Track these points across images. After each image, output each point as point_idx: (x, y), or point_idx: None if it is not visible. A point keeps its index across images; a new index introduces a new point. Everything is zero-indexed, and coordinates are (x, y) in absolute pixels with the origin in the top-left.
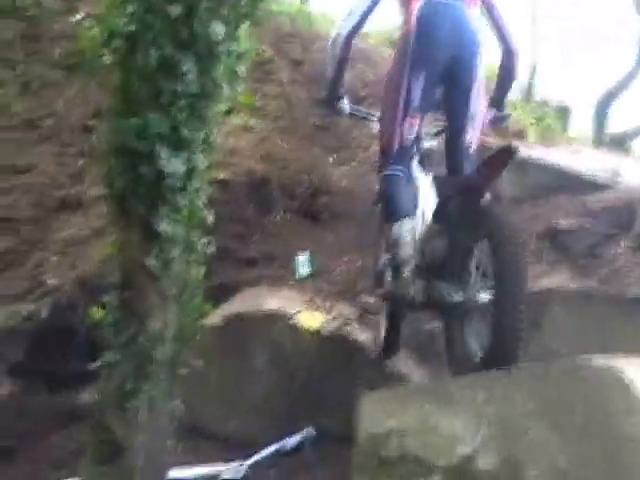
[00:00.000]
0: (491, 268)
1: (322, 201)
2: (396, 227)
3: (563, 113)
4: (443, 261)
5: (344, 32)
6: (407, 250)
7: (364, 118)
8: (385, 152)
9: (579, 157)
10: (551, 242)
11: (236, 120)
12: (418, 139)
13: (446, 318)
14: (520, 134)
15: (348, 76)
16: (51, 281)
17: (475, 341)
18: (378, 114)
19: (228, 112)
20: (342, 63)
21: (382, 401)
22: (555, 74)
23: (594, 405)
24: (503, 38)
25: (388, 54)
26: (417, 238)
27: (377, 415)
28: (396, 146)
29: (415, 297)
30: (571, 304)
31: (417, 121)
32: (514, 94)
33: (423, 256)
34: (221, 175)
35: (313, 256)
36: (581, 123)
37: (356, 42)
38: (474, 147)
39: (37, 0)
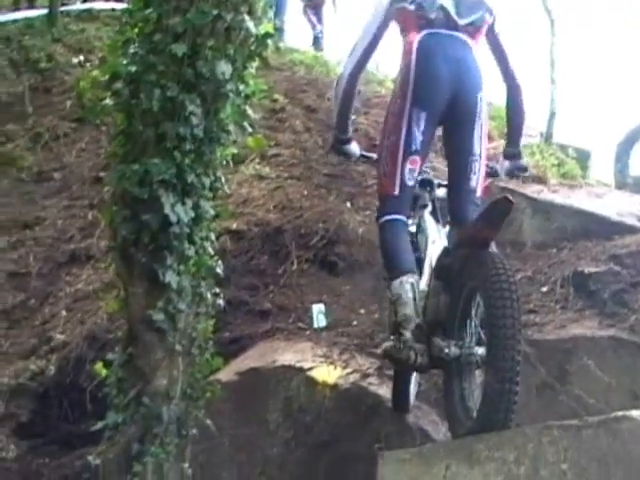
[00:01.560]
0: (485, 321)
1: (338, 250)
2: (396, 284)
3: (583, 157)
4: (444, 318)
5: (347, 71)
6: (407, 310)
7: (377, 162)
8: (383, 198)
9: (603, 201)
10: (577, 288)
11: (249, 169)
12: (430, 186)
13: (445, 375)
14: (541, 179)
15: (364, 122)
16: (59, 337)
17: (474, 400)
18: None
19: (237, 157)
20: (347, 102)
21: (404, 462)
22: (574, 118)
23: (636, 463)
24: (507, 72)
25: None
26: (419, 296)
27: (399, 478)
28: (396, 191)
29: (416, 360)
30: (601, 353)
31: (418, 164)
32: (533, 139)
33: (425, 315)
34: (234, 225)
35: (328, 307)
36: (601, 167)
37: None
38: (479, 192)
39: (49, 54)
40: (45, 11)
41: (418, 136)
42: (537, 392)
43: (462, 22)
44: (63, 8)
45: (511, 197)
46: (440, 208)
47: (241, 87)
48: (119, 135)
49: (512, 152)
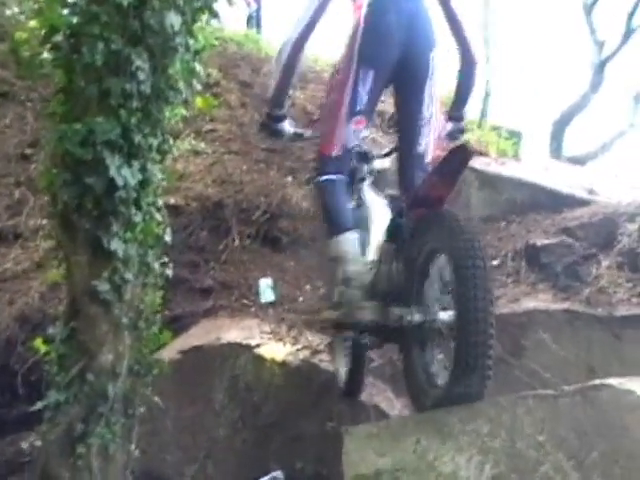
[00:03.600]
0: (451, 284)
1: (281, 225)
2: (339, 241)
3: (515, 138)
4: (399, 282)
5: (291, 40)
6: (353, 267)
7: (312, 139)
8: (323, 157)
9: (551, 173)
10: (529, 262)
11: (184, 144)
12: (367, 158)
13: (404, 344)
14: (483, 154)
15: (300, 97)
16: None
17: (438, 368)
18: None
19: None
20: (288, 74)
21: (370, 437)
22: (506, 98)
23: (616, 432)
24: (461, 39)
25: None
26: (370, 259)
27: (366, 453)
28: (336, 150)
29: (367, 319)
30: (556, 326)
31: (363, 125)
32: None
33: (377, 279)
34: (171, 200)
35: (275, 283)
36: (533, 148)
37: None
38: (429, 157)
39: None
40: None
41: (364, 95)
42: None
43: None
44: None
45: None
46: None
47: (190, 41)
48: (59, 93)
49: (456, 115)
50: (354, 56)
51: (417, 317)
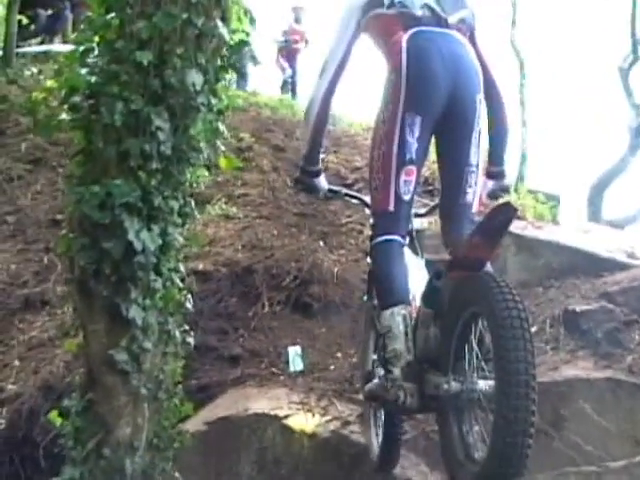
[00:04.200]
0: (492, 353)
1: (312, 291)
2: (386, 315)
3: (553, 202)
4: (436, 348)
5: (319, 93)
6: (398, 344)
7: (347, 198)
8: (377, 215)
9: (590, 237)
10: (568, 328)
11: (215, 209)
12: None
13: (442, 415)
14: (519, 217)
15: (334, 160)
16: (11, 387)
17: (476, 440)
18: (365, 197)
19: (202, 196)
20: (319, 128)
21: None
22: (544, 160)
23: None
24: (488, 81)
25: None
26: (411, 330)
27: None
28: (392, 205)
29: (405, 401)
30: (598, 396)
31: (413, 175)
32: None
33: (414, 349)
34: (200, 266)
35: (304, 351)
36: (571, 212)
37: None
38: (476, 207)
39: (4, 95)
40: None
41: (413, 144)
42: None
43: (452, 19)
44: (19, 50)
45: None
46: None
47: (213, 101)
48: (77, 154)
49: (496, 171)
50: (400, 104)
51: (454, 386)
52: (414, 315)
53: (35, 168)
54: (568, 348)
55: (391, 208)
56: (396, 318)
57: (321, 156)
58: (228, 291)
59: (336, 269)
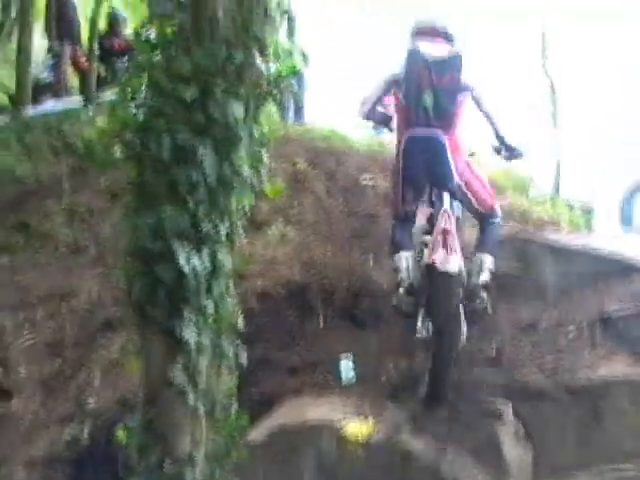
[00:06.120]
0: None
1: (364, 304)
2: (396, 258)
3: (587, 213)
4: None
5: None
6: (402, 275)
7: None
8: (394, 216)
9: (622, 242)
10: (605, 330)
11: (273, 231)
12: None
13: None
14: (555, 224)
15: (381, 183)
16: (92, 403)
17: None
18: None
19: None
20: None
21: None
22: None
23: None
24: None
25: None
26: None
27: None
28: (401, 214)
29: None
30: (634, 393)
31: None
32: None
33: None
34: (259, 286)
35: (356, 360)
36: (605, 220)
37: None
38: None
39: (87, 139)
40: (81, 100)
41: (410, 195)
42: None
43: (437, 121)
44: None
45: None
46: None
47: (255, 130)
48: (130, 186)
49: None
50: (400, 177)
51: None
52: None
53: (113, 201)
54: (605, 349)
55: (401, 215)
56: (400, 259)
57: None
58: (286, 308)
59: (385, 283)
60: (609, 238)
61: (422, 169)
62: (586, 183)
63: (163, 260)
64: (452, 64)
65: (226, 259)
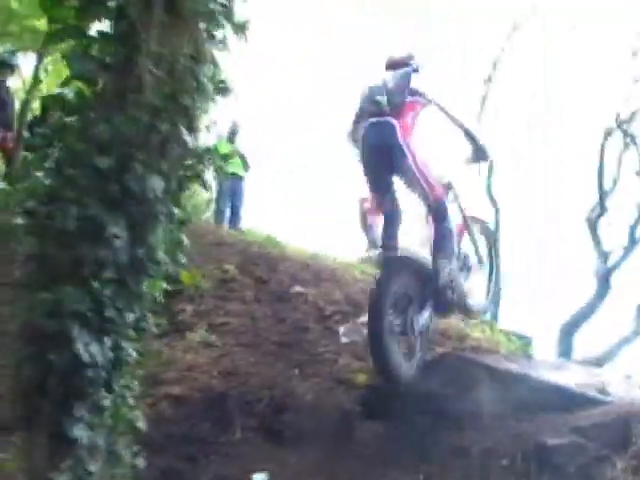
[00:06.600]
0: None
1: (285, 418)
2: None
3: (525, 341)
4: None
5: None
6: None
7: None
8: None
9: (562, 373)
10: (539, 462)
11: (196, 337)
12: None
13: None
14: (493, 350)
15: (313, 292)
16: None
17: None
18: None
19: (183, 324)
20: None
21: None
22: (516, 304)
23: None
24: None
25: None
26: None
27: None
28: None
29: None
30: None
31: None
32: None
33: None
34: (175, 390)
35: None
36: (543, 352)
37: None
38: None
39: None
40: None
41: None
42: None
43: (388, 109)
44: None
45: None
46: None
47: (175, 210)
48: (28, 260)
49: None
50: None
51: None
52: None
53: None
54: None
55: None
56: None
57: None
58: (201, 416)
59: (309, 397)
60: (550, 367)
61: (376, 155)
62: (524, 316)
63: (58, 345)
64: (401, 76)
65: (131, 351)
